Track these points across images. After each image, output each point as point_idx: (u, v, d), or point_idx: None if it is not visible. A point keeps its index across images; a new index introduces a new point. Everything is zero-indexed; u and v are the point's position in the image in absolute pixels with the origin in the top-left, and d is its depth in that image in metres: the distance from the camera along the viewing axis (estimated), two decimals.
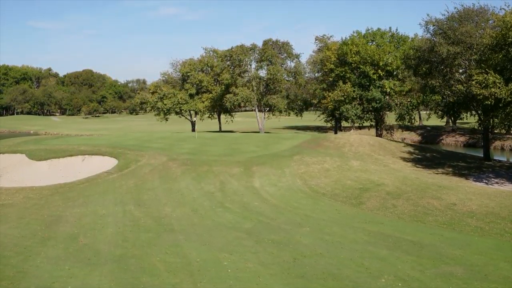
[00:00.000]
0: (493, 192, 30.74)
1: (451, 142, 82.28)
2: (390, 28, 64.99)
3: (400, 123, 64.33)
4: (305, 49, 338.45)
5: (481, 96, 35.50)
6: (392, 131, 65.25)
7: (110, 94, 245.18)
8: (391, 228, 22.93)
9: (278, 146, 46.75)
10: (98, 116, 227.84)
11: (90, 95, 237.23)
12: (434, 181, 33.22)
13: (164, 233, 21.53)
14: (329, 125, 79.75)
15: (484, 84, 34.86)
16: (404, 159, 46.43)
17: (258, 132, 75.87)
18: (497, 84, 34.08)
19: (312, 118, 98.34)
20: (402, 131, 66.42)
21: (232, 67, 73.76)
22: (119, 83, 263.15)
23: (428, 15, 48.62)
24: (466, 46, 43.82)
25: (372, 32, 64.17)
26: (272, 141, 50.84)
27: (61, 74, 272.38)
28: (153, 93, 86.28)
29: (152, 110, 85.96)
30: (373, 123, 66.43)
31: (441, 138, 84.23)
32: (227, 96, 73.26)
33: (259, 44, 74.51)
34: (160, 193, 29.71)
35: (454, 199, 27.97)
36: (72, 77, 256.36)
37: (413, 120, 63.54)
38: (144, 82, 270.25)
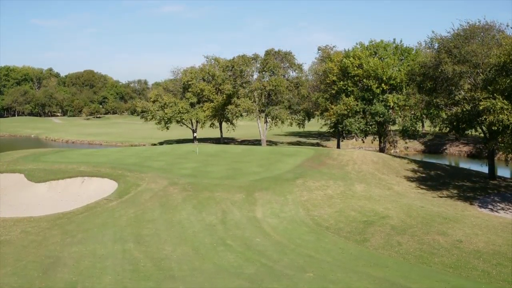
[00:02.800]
0: (500, 223, 30.16)
1: (455, 152, 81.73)
2: (394, 39, 64.35)
3: (404, 135, 63.44)
4: (308, 48, 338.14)
5: (488, 122, 34.86)
6: (395, 143, 64.65)
7: (111, 95, 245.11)
8: (396, 273, 22.36)
9: (280, 165, 46.14)
10: (100, 117, 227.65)
11: (91, 96, 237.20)
12: (439, 210, 32.61)
13: (164, 281, 20.98)
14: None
15: (491, 109, 34.18)
16: (408, 179, 45.85)
17: (260, 140, 75.43)
18: (505, 110, 33.38)
19: (314, 123, 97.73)
20: (406, 142, 65.84)
21: (234, 77, 73.11)
22: (120, 84, 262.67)
23: (433, 31, 48.10)
24: (472, 65, 43.25)
25: (375, 44, 63.41)
26: (274, 159, 50.22)
27: (62, 74, 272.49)
28: (154, 101, 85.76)
29: (153, 119, 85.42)
30: (376, 136, 65.80)
31: (444, 147, 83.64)
32: (229, 107, 72.75)
33: (260, 51, 74.12)
34: (161, 226, 29.15)
35: (460, 235, 27.40)
36: (73, 78, 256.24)
37: (416, 134, 62.85)
38: (145, 82, 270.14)
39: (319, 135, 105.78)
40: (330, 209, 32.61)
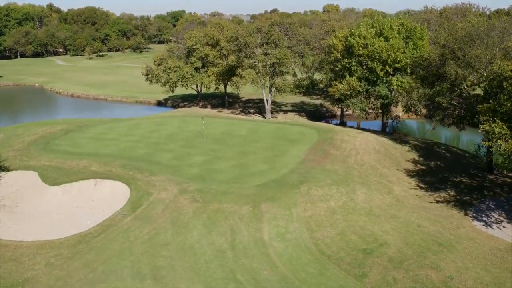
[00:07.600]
0: (490, 250, 32.14)
1: None
2: (400, 17, 63.65)
3: (408, 113, 64.20)
4: None
5: (487, 144, 36.09)
6: (398, 120, 65.74)
7: (113, 32, 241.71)
8: None
9: (285, 160, 47.88)
10: (102, 56, 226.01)
11: (94, 33, 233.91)
12: (435, 231, 34.56)
13: None
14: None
15: (491, 133, 35.25)
16: (408, 173, 47.75)
17: (263, 100, 76.17)
18: (504, 135, 34.36)
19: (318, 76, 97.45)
20: (408, 116, 66.68)
21: (238, 48, 72.81)
22: (122, 20, 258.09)
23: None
24: (475, 69, 43.81)
25: (381, 22, 62.74)
26: (279, 148, 51.82)
27: (63, 9, 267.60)
28: (158, 65, 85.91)
29: (158, 82, 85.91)
30: (379, 114, 66.78)
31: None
32: (234, 79, 73.13)
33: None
34: (174, 254, 31.22)
35: (452, 269, 29.50)
36: (75, 15, 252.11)
37: (419, 111, 63.60)
38: (148, 18, 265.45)
39: (323, 92, 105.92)
40: (333, 230, 34.57)
